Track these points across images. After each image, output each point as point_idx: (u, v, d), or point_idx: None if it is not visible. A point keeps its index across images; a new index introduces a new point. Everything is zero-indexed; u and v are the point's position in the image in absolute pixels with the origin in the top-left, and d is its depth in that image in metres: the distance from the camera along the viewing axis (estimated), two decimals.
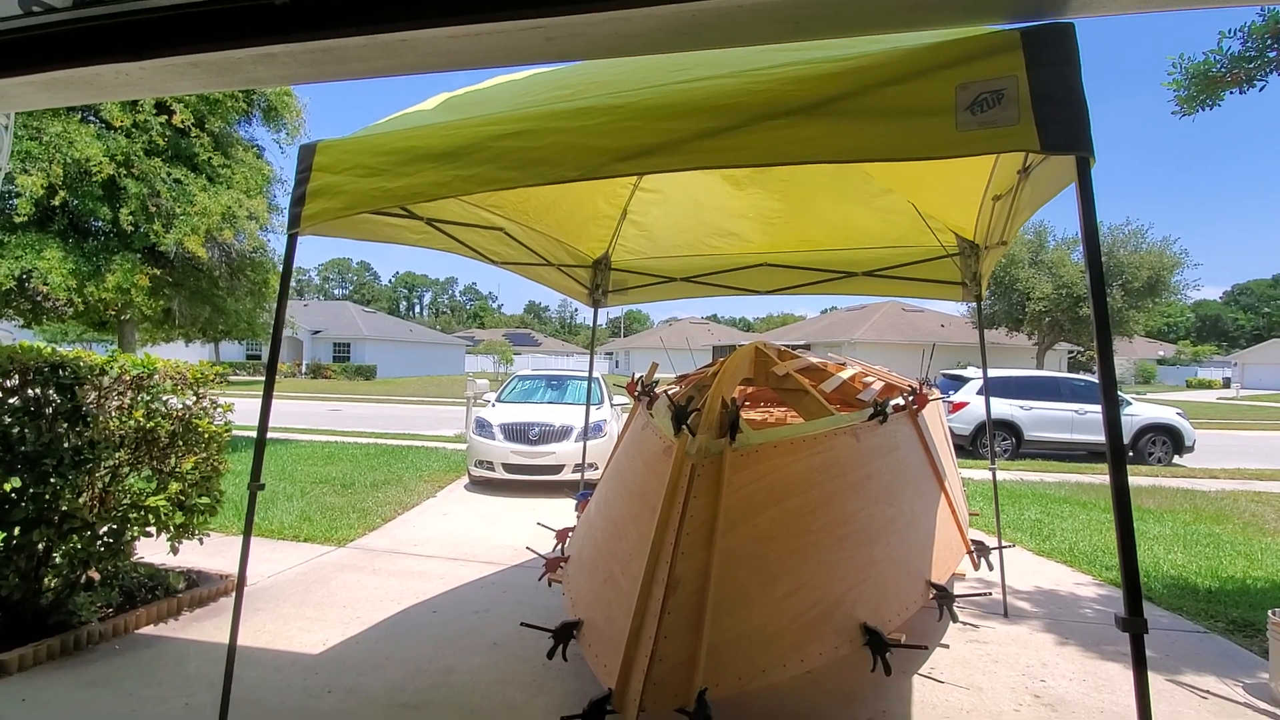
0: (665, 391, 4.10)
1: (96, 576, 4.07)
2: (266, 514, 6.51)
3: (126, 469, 3.93)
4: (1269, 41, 4.09)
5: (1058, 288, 25.20)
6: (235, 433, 4.60)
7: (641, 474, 3.20)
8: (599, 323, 6.13)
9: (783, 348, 4.68)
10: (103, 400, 3.85)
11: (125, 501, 3.88)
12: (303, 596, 4.51)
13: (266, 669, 3.45)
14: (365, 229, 3.51)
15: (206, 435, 4.20)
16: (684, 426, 2.79)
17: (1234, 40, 4.25)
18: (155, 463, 4.04)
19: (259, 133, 13.05)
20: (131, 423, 3.84)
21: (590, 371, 6.56)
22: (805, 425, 3.38)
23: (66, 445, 3.58)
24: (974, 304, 4.48)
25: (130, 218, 10.10)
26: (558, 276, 5.23)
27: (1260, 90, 4.30)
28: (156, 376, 4.04)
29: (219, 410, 4.37)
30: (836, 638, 2.73)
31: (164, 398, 4.08)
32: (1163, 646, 3.97)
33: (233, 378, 32.12)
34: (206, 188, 10.58)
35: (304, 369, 40.41)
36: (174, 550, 4.08)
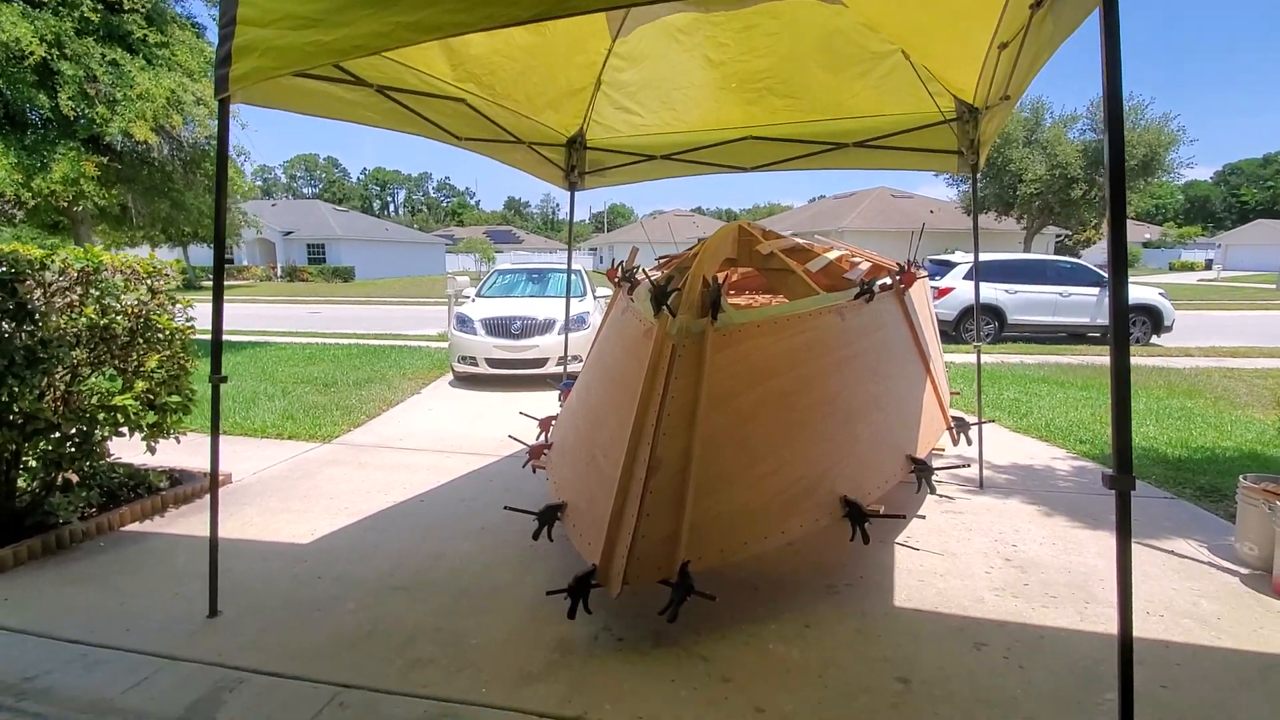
0: (647, 275, 3.93)
1: (74, 478, 4.02)
2: (248, 413, 6.46)
3: (87, 369, 3.78)
4: None
5: (1051, 169, 24.59)
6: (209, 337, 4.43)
7: (622, 358, 3.12)
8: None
9: (768, 229, 4.48)
10: (50, 297, 3.63)
11: (93, 402, 3.76)
12: (288, 491, 4.52)
13: (254, 559, 3.48)
14: (310, 100, 3.18)
15: (168, 332, 4.02)
16: (664, 307, 2.67)
17: None
18: (117, 362, 3.88)
19: (196, 8, 11.88)
20: (84, 320, 3.64)
21: (569, 262, 6.33)
22: (789, 305, 3.27)
23: (17, 344, 3.40)
24: (968, 180, 4.25)
25: (70, 103, 9.35)
26: (529, 157, 4.89)
27: None
28: (105, 271, 3.80)
29: (179, 307, 4.17)
30: (817, 511, 2.75)
31: (118, 294, 3.86)
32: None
33: (205, 282, 31.34)
34: (145, 69, 9.73)
35: (279, 272, 39.38)
36: (151, 450, 4.01)
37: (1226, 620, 2.90)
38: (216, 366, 2.82)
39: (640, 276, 3.86)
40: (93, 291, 3.73)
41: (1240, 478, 3.46)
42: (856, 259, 4.93)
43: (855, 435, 3.11)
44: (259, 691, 2.39)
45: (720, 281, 2.70)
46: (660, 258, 4.75)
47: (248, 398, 7.13)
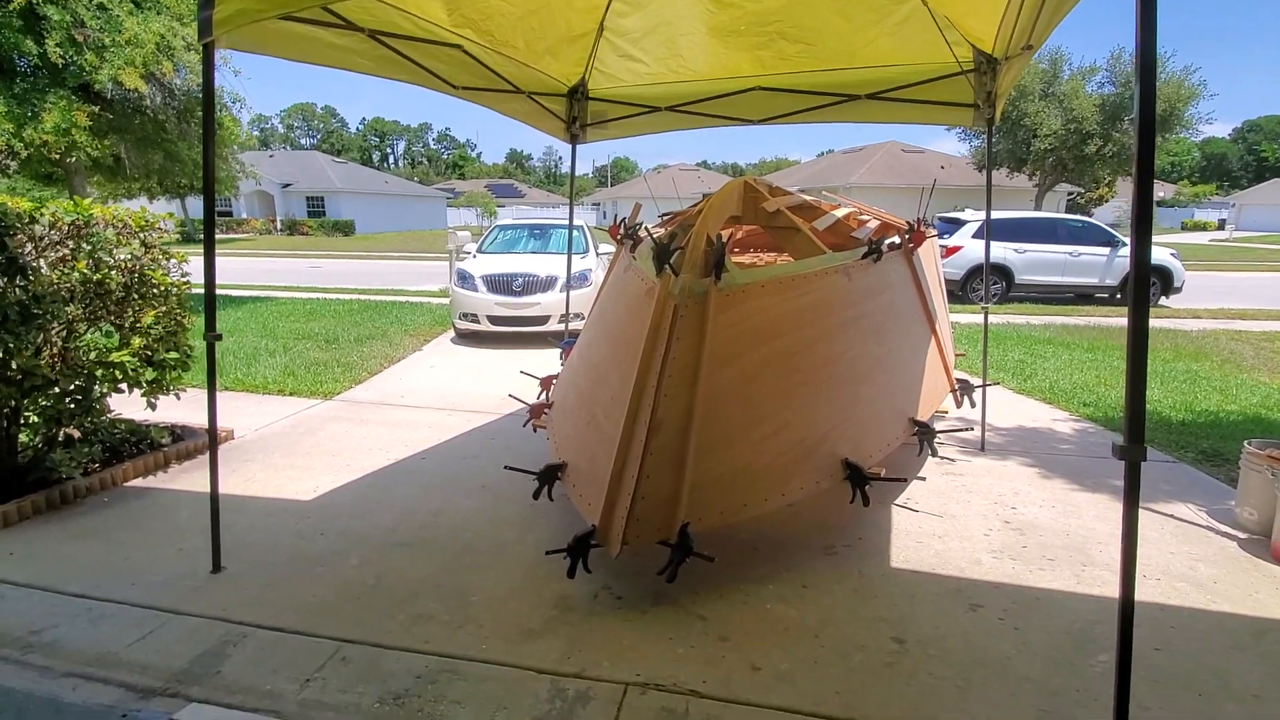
0: (649, 232, 3.85)
1: (76, 434, 4.03)
2: (249, 369, 6.45)
3: (83, 325, 3.74)
4: None
5: (1066, 123, 23.92)
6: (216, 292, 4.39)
7: (624, 318, 3.07)
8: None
9: (774, 185, 4.36)
10: (41, 251, 3.57)
11: (90, 358, 3.74)
12: (291, 447, 4.54)
13: (258, 515, 3.50)
14: (299, 45, 3.05)
15: (163, 288, 3.97)
16: (667, 266, 2.61)
17: None
18: (113, 318, 3.84)
19: None
20: (76, 275, 3.59)
21: (570, 217, 6.21)
22: (795, 264, 3.20)
23: (10, 300, 3.36)
24: (981, 135, 4.11)
25: (58, 50, 9.07)
26: (529, 107, 4.74)
27: None
28: (96, 225, 3.72)
29: (174, 262, 4.11)
30: (818, 473, 2.74)
31: (110, 248, 3.79)
32: None
33: (200, 236, 31.15)
34: (134, 13, 9.40)
35: (279, 225, 38.93)
36: (151, 406, 4.00)
37: (1223, 584, 2.91)
38: (211, 324, 2.77)
39: (643, 234, 3.78)
40: (84, 246, 3.66)
41: (1245, 443, 3.44)
42: (865, 217, 4.82)
43: (858, 397, 3.08)
44: (263, 645, 2.43)
45: (724, 240, 2.63)
46: (664, 214, 4.65)
47: (249, 353, 7.11)
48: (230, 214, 39.46)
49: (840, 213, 4.42)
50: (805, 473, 2.72)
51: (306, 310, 10.35)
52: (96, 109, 9.81)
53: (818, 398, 2.88)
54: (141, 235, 3.91)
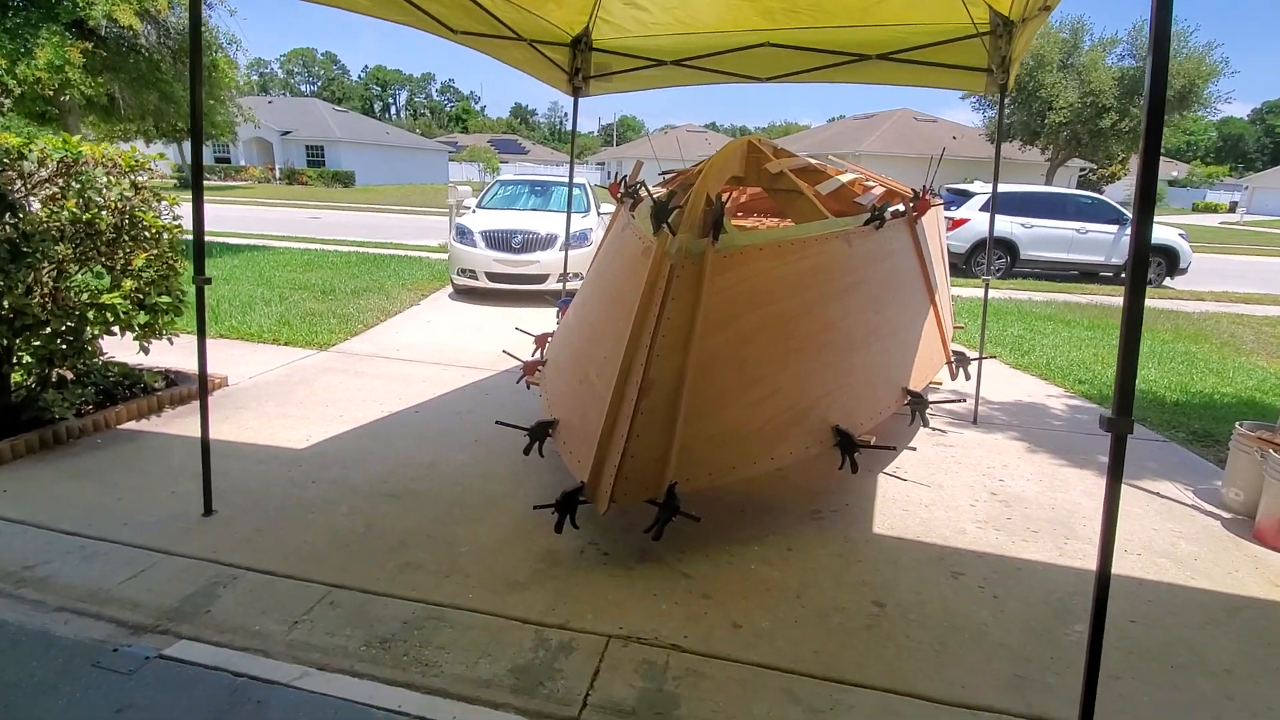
0: (649, 191, 3.78)
1: (69, 375, 4.02)
2: (244, 318, 6.42)
3: (74, 266, 3.70)
4: None
5: (1083, 95, 23.40)
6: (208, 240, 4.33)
7: (620, 276, 3.04)
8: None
9: (779, 147, 4.28)
10: (30, 189, 3.51)
11: (82, 299, 3.71)
12: (285, 396, 4.54)
13: (251, 461, 3.52)
14: None
15: (154, 231, 3.91)
16: (664, 225, 2.57)
17: None
18: (104, 260, 3.80)
19: None
20: (66, 214, 3.53)
21: (571, 173, 6.10)
22: (795, 228, 3.16)
23: (1, 237, 3.31)
24: (995, 105, 4.00)
25: None
26: (530, 56, 4.60)
27: None
28: (85, 163, 3.65)
29: (165, 205, 4.04)
30: (808, 438, 2.75)
31: (100, 188, 3.72)
32: None
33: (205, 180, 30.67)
34: None
35: (278, 174, 38.34)
36: (144, 350, 3.99)
37: (1203, 562, 2.95)
38: (200, 267, 2.74)
39: (643, 193, 3.71)
40: (74, 184, 3.60)
41: (1236, 424, 3.45)
42: (870, 183, 4.74)
43: (852, 365, 3.07)
44: (252, 587, 2.46)
45: (724, 201, 2.58)
46: (665, 173, 4.57)
47: (244, 301, 7.07)
48: (228, 160, 38.84)
49: (845, 178, 4.34)
50: (795, 437, 2.72)
51: (304, 261, 10.26)
52: (90, 46, 9.58)
53: (812, 363, 2.87)
54: (131, 176, 3.84)
